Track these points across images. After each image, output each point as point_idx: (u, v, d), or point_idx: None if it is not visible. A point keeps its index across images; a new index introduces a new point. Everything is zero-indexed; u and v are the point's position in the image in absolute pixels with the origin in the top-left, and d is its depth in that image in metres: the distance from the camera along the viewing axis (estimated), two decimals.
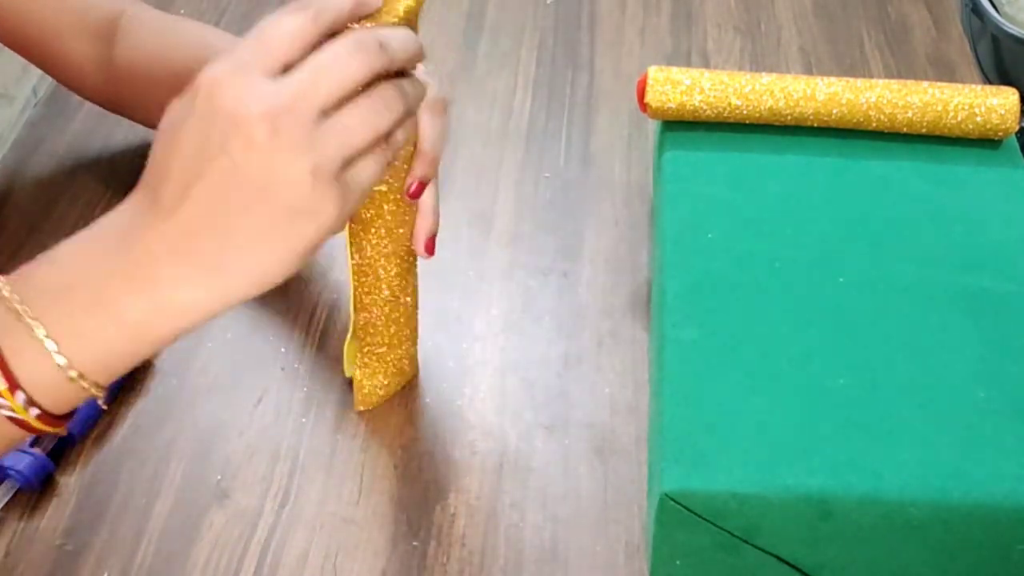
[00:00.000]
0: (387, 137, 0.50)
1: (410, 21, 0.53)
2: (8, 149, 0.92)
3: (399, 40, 0.50)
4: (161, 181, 0.48)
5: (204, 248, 0.48)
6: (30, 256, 0.81)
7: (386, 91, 0.49)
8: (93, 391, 0.50)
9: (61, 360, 0.48)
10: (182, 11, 1.06)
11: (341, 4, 0.50)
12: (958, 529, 0.57)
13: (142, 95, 0.84)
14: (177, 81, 0.74)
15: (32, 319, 0.48)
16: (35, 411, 0.49)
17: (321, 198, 0.47)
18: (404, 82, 0.51)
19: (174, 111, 0.48)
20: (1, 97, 1.45)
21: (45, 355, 0.48)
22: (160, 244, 0.48)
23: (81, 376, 0.49)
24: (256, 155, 0.46)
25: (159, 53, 0.80)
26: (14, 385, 0.48)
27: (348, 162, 0.48)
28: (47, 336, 0.48)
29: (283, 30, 0.48)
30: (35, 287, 0.49)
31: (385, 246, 0.64)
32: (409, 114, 0.51)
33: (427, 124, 0.60)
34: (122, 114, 0.87)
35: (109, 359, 0.50)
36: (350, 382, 0.73)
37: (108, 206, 0.85)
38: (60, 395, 0.50)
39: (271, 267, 0.49)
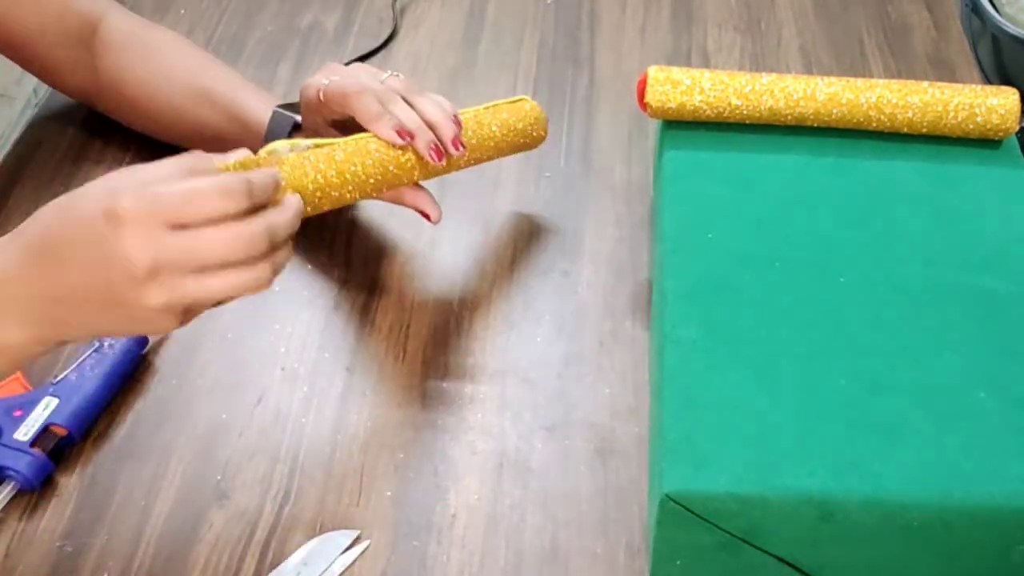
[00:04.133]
0: (268, 254, 0.56)
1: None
2: (8, 149, 0.91)
3: (261, 182, 0.57)
4: (47, 248, 0.55)
5: (56, 307, 0.55)
6: None
7: (251, 234, 0.55)
8: None
9: None
10: (182, 11, 1.06)
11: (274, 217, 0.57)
12: (958, 529, 0.57)
13: (127, 111, 0.87)
14: (161, 109, 0.84)
15: None
16: None
17: (163, 320, 0.55)
18: (270, 216, 0.57)
19: (84, 206, 0.55)
20: (1, 97, 1.45)
21: None
22: (26, 288, 0.55)
23: None
24: (129, 284, 0.53)
25: (144, 81, 0.84)
26: None
27: (197, 298, 0.55)
28: None
29: (209, 208, 0.54)
30: None
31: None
32: (274, 244, 0.56)
33: (420, 105, 0.70)
34: (106, 113, 0.89)
35: None
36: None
37: None
38: None
39: (94, 337, 0.58)
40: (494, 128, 0.77)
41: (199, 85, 0.82)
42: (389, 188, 0.71)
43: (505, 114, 0.78)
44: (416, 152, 0.70)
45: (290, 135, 0.78)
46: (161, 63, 0.83)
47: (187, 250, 0.53)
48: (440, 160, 0.71)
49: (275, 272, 0.57)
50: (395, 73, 0.73)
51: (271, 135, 0.78)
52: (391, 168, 0.69)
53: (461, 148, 0.72)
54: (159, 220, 0.53)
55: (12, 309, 0.55)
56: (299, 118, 0.78)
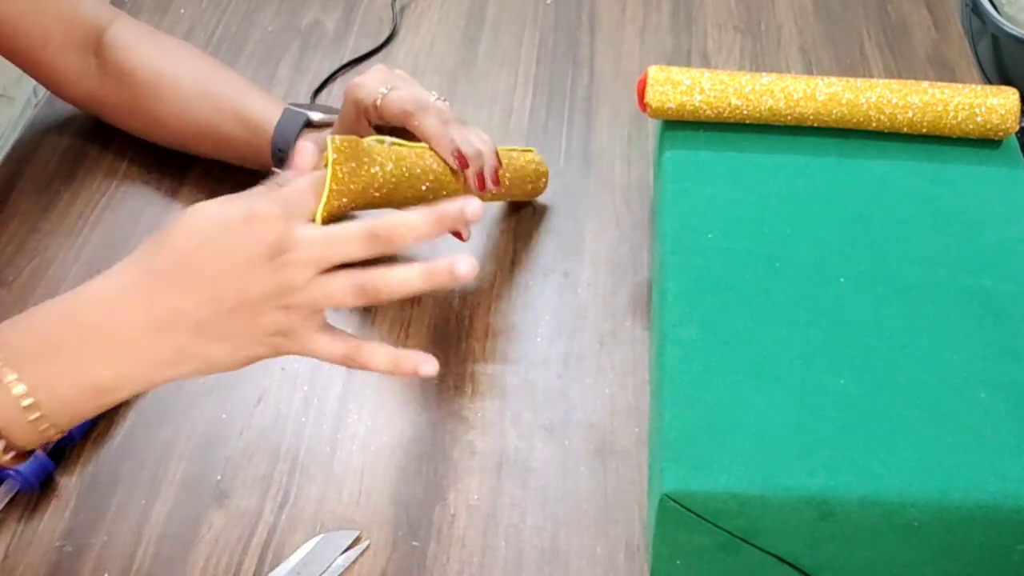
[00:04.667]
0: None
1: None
2: (8, 149, 0.92)
3: (401, 232, 0.58)
4: (171, 273, 0.55)
5: (178, 341, 0.55)
6: (30, 256, 0.81)
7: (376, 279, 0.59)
8: (55, 436, 0.57)
9: (36, 415, 0.55)
10: (182, 11, 1.06)
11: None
12: (958, 529, 0.57)
13: (132, 117, 0.87)
14: (168, 113, 0.85)
15: (15, 380, 0.54)
16: (11, 453, 0.56)
17: (290, 345, 0.58)
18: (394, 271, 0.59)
19: (212, 218, 0.55)
20: (1, 97, 1.45)
21: (23, 410, 0.55)
22: (143, 314, 0.55)
23: (51, 426, 0.56)
24: (269, 301, 0.56)
25: (151, 84, 0.83)
26: None
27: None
28: (26, 394, 0.54)
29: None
30: (18, 348, 0.55)
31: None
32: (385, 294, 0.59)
33: (468, 134, 0.72)
34: (110, 122, 0.89)
35: (75, 413, 0.56)
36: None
37: (107, 206, 0.85)
38: (29, 439, 0.56)
39: (221, 367, 0.57)
40: (508, 175, 0.78)
41: (206, 89, 0.83)
42: (430, 201, 0.71)
43: (519, 164, 0.80)
44: (462, 176, 0.71)
45: (300, 132, 0.79)
46: (168, 67, 0.83)
47: (313, 242, 0.56)
48: (483, 189, 0.72)
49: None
50: (442, 97, 0.73)
51: (281, 133, 0.79)
52: (443, 182, 0.70)
53: (496, 185, 0.73)
54: (318, 263, 0.56)
55: (113, 349, 0.55)
56: (312, 115, 0.79)
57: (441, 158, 0.70)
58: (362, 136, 0.73)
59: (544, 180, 0.85)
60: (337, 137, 0.62)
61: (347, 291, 0.58)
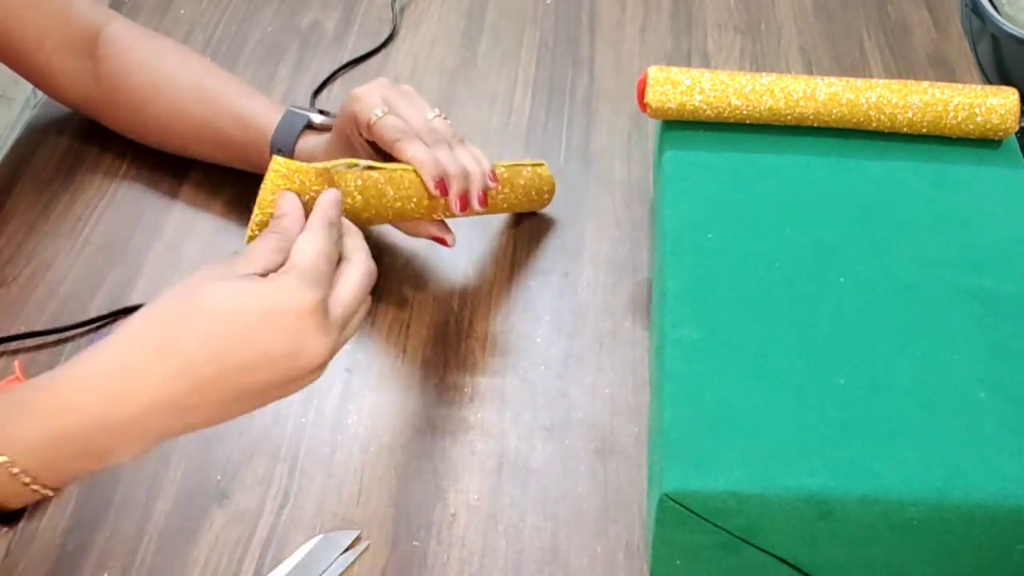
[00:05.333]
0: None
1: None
2: (8, 149, 0.92)
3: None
4: (195, 356, 0.53)
5: (195, 416, 0.55)
6: (30, 256, 0.81)
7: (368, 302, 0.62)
8: (51, 496, 0.55)
9: (28, 479, 0.53)
10: (182, 11, 1.06)
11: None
12: (958, 529, 0.57)
13: (129, 118, 0.87)
14: (165, 114, 0.85)
15: (11, 465, 0.52)
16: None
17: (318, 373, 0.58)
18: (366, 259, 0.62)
19: (232, 299, 0.54)
20: (1, 98, 1.45)
21: (14, 479, 0.53)
22: (167, 399, 0.53)
23: (44, 487, 0.54)
24: (308, 371, 0.57)
25: (148, 86, 0.83)
26: None
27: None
28: (23, 473, 0.52)
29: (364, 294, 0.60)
30: (15, 441, 0.53)
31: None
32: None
33: (459, 154, 0.72)
34: (106, 125, 0.89)
35: (75, 478, 0.56)
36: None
37: (107, 207, 0.85)
38: (21, 498, 0.54)
39: (235, 416, 0.57)
40: (511, 194, 0.79)
41: (203, 90, 0.82)
42: (411, 219, 0.73)
43: (523, 180, 0.80)
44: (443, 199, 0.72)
45: (300, 134, 0.79)
46: (164, 69, 0.83)
47: (347, 314, 0.59)
48: (462, 211, 0.72)
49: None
50: (441, 114, 0.74)
51: (281, 132, 0.79)
52: (423, 204, 0.71)
53: (483, 205, 0.73)
54: (325, 302, 0.57)
55: (135, 432, 0.54)
56: (313, 117, 0.80)
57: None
58: (354, 145, 0.73)
59: (549, 195, 0.85)
60: (282, 161, 0.62)
61: (359, 324, 0.61)
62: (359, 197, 0.68)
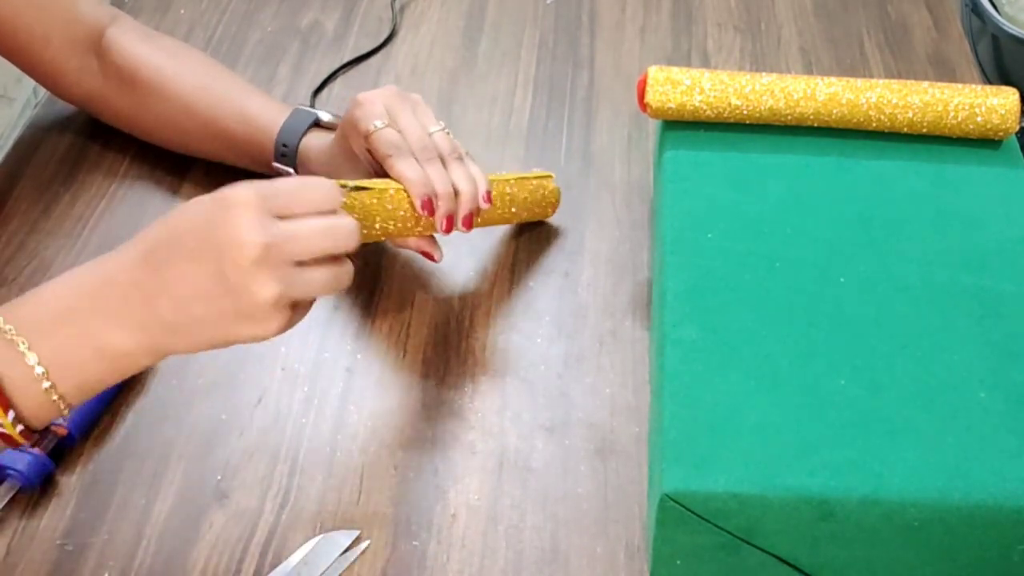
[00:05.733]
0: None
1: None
2: (9, 149, 0.92)
3: (348, 234, 0.61)
4: (158, 247, 0.57)
5: (164, 307, 0.56)
6: (30, 256, 0.81)
7: (344, 227, 0.60)
8: (65, 411, 0.58)
9: (48, 384, 0.56)
10: (182, 11, 1.06)
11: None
12: (958, 529, 0.57)
13: (133, 116, 0.87)
14: (170, 112, 0.86)
15: (27, 350, 0.56)
16: (20, 427, 0.57)
17: (271, 318, 0.57)
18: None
19: (194, 204, 0.57)
20: (1, 98, 1.45)
21: (35, 380, 0.56)
22: (136, 292, 0.57)
23: (61, 398, 0.57)
24: (240, 268, 0.55)
25: (153, 83, 0.84)
26: (6, 406, 0.56)
27: (302, 291, 0.59)
28: (38, 363, 0.56)
29: (314, 198, 0.59)
30: (26, 320, 0.57)
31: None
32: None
33: (454, 172, 0.72)
34: (111, 123, 0.89)
35: (88, 381, 0.58)
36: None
37: (107, 206, 0.85)
38: (41, 413, 0.57)
39: (200, 345, 0.58)
40: (513, 209, 0.79)
41: (208, 88, 0.83)
42: (403, 237, 0.73)
43: (527, 194, 0.80)
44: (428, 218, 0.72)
45: (307, 130, 0.79)
46: (169, 66, 0.84)
47: (292, 237, 0.57)
48: (447, 232, 0.72)
49: (350, 276, 0.61)
50: (446, 129, 0.74)
51: (287, 129, 0.80)
52: (414, 224, 0.71)
53: (467, 227, 0.73)
54: (267, 207, 0.56)
55: (122, 314, 0.57)
56: (321, 115, 0.80)
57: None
58: (355, 149, 0.73)
59: (553, 208, 0.84)
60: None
61: (326, 282, 0.60)
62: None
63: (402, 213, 0.70)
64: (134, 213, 0.85)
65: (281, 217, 0.57)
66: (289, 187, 0.58)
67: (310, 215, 0.58)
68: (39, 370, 0.56)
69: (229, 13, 1.06)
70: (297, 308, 0.59)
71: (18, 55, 0.84)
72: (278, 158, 0.80)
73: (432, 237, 0.75)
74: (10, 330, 0.56)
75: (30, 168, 0.89)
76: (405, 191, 0.70)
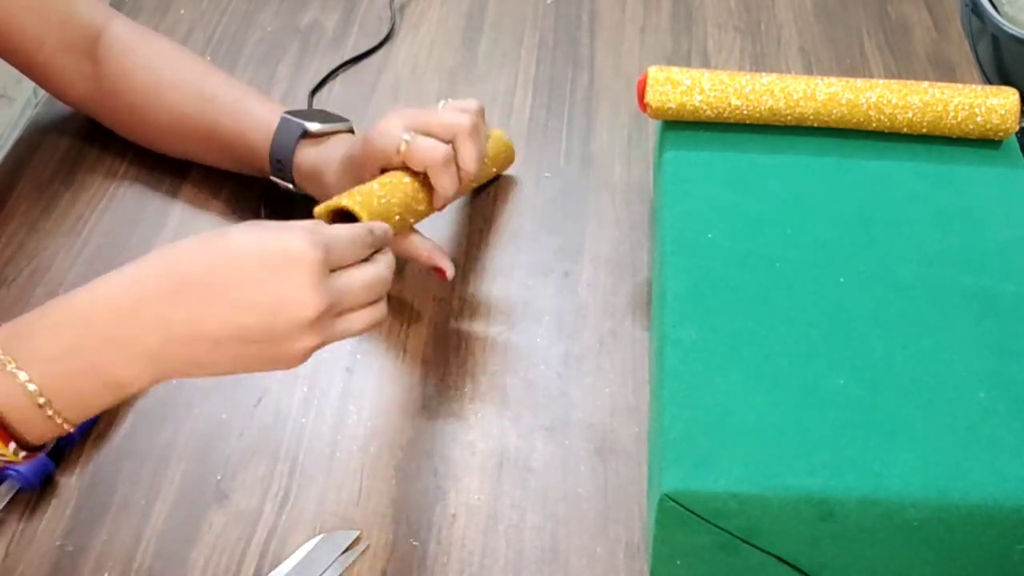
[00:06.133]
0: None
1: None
2: (9, 149, 0.92)
3: (381, 231, 0.63)
4: (196, 283, 0.55)
5: (197, 349, 0.55)
6: (30, 256, 0.81)
7: (385, 275, 0.62)
8: (69, 429, 0.56)
9: (51, 411, 0.55)
10: (182, 11, 1.06)
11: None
12: (958, 529, 0.57)
13: (130, 121, 0.87)
14: (165, 115, 0.85)
15: (28, 380, 0.54)
16: (23, 453, 0.56)
17: (298, 363, 0.58)
18: (388, 257, 0.63)
19: (247, 243, 0.56)
20: (1, 98, 1.45)
21: (38, 409, 0.54)
22: (161, 327, 0.55)
23: (66, 422, 0.56)
24: (293, 323, 0.56)
25: (149, 86, 0.83)
26: (7, 439, 0.55)
27: (341, 337, 0.60)
28: (40, 394, 0.54)
29: (365, 249, 0.61)
30: (32, 352, 0.55)
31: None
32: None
33: (463, 148, 0.72)
34: (107, 126, 0.89)
35: (89, 408, 0.56)
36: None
37: (107, 207, 0.85)
38: (45, 434, 0.56)
39: (215, 376, 0.58)
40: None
41: (204, 91, 0.82)
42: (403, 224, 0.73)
43: (492, 151, 0.82)
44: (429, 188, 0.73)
45: (297, 143, 0.78)
46: (165, 70, 0.83)
47: (346, 292, 0.58)
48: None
49: (385, 314, 0.62)
50: (448, 100, 0.75)
51: (278, 144, 0.78)
52: (422, 205, 0.73)
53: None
54: (328, 264, 0.57)
55: (138, 350, 0.55)
56: (309, 126, 0.78)
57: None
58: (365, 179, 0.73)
59: (509, 158, 0.86)
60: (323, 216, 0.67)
61: (363, 327, 0.61)
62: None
63: (400, 211, 0.70)
64: (133, 213, 0.85)
65: (334, 269, 0.58)
66: (344, 240, 0.59)
67: (359, 264, 0.60)
68: (41, 400, 0.54)
69: (229, 13, 1.06)
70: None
71: (11, 56, 0.83)
72: (274, 172, 0.80)
73: (442, 251, 0.75)
74: (11, 363, 0.54)
75: (30, 168, 0.89)
76: (409, 181, 0.71)
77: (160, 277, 0.55)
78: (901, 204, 0.74)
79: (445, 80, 0.99)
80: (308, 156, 0.78)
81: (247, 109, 0.81)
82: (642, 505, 0.67)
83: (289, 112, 0.80)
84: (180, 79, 0.83)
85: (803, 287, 0.68)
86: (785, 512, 0.57)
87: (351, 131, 0.81)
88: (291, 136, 0.78)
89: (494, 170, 0.85)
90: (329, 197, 0.70)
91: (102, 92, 0.85)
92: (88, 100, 0.86)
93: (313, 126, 0.79)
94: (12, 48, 0.83)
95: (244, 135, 0.80)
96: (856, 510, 0.57)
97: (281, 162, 0.79)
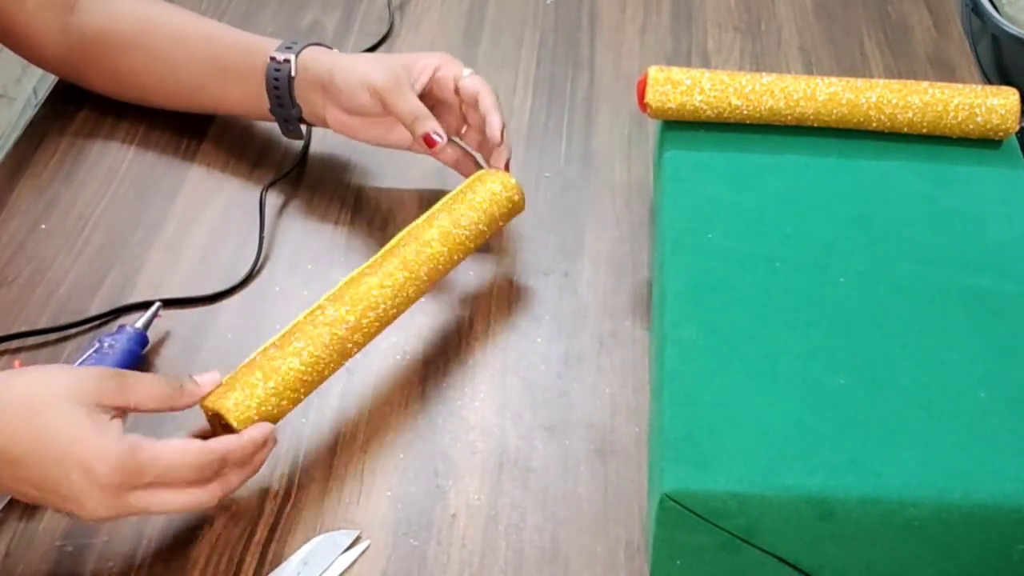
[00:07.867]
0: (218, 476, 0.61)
1: None
2: (9, 149, 0.92)
3: (239, 455, 0.62)
4: (9, 450, 0.56)
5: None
6: (30, 256, 0.81)
7: (205, 463, 0.60)
8: None
9: None
10: None
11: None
12: (958, 529, 0.57)
13: (111, 69, 0.86)
14: (156, 57, 0.84)
15: None
16: None
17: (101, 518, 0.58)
18: (229, 442, 0.61)
19: (63, 437, 0.56)
20: (1, 97, 1.45)
21: None
22: None
23: None
24: (86, 498, 0.57)
25: (136, 28, 0.83)
26: None
27: (141, 512, 0.59)
28: None
29: (181, 475, 0.59)
30: None
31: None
32: (226, 469, 0.61)
33: (491, 119, 0.78)
34: (79, 83, 0.89)
35: None
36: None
37: (107, 207, 0.85)
38: None
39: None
40: (483, 227, 0.76)
41: (195, 26, 0.83)
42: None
43: (496, 207, 0.76)
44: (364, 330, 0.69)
45: (290, 86, 0.80)
46: (151, 11, 0.84)
47: (149, 468, 0.57)
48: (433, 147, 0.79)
49: (225, 493, 0.61)
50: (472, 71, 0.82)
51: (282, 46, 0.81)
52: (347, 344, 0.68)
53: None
54: (131, 486, 0.57)
55: None
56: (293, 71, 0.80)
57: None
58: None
59: (521, 199, 0.79)
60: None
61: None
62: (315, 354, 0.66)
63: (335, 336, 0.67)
64: (133, 213, 0.85)
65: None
66: (159, 468, 0.58)
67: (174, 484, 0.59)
68: None
69: (229, 13, 1.06)
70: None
71: None
72: (271, 86, 0.81)
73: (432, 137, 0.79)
74: None
75: (30, 168, 0.89)
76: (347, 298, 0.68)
77: None
78: (901, 204, 0.74)
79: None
80: (324, 57, 0.80)
81: (240, 36, 0.83)
82: (642, 505, 0.67)
83: (276, 51, 0.81)
84: (166, 18, 0.84)
85: (803, 287, 0.68)
86: (785, 512, 0.57)
87: None
88: (283, 84, 0.80)
89: (501, 224, 0.78)
90: (325, 115, 0.78)
91: (83, 44, 0.84)
92: (67, 57, 0.86)
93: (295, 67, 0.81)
94: None
95: (240, 59, 0.82)
96: (856, 510, 0.57)
97: (291, 48, 0.80)
